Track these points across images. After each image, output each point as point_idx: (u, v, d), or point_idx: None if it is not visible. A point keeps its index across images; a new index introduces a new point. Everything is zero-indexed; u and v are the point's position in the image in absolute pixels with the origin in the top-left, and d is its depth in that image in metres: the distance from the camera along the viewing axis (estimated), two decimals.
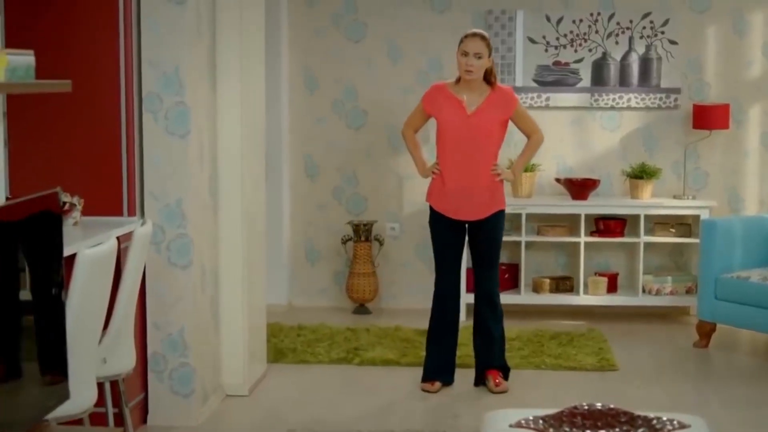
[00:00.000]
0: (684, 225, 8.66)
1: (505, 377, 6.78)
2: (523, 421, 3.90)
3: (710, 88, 8.82)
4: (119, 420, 5.34)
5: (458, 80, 6.65)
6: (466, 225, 6.70)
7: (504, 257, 8.87)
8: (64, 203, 5.46)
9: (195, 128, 5.91)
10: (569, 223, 8.77)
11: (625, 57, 8.80)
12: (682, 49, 8.76)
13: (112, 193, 5.80)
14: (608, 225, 8.63)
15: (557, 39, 8.78)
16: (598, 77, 8.83)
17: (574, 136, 8.91)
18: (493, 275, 6.77)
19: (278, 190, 8.92)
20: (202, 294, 6.13)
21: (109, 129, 5.76)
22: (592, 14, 8.76)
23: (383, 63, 8.95)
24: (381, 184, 8.98)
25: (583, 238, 8.57)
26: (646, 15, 8.74)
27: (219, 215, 6.41)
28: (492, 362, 6.78)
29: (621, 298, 8.67)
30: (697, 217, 8.55)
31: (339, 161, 9.04)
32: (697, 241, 8.41)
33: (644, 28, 8.75)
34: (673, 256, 8.91)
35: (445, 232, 6.70)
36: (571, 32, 8.78)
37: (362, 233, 8.82)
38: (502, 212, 6.70)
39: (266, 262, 7.22)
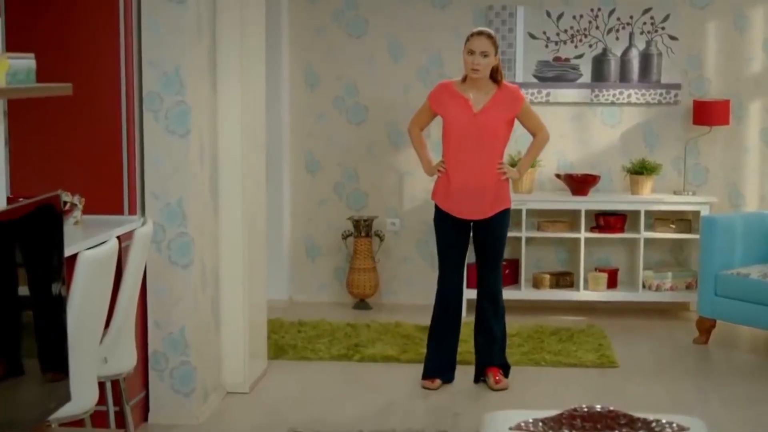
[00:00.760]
0: (684, 221, 8.66)
1: (506, 374, 6.80)
2: (522, 424, 3.91)
3: (710, 83, 8.82)
4: (120, 418, 5.36)
5: (464, 79, 6.65)
6: (471, 223, 6.69)
7: (504, 253, 8.86)
8: (65, 203, 5.47)
9: (195, 128, 5.92)
10: (569, 218, 8.78)
11: (626, 53, 8.80)
12: (682, 45, 8.76)
13: (112, 192, 5.81)
14: (608, 221, 8.64)
15: (557, 35, 8.78)
16: (599, 73, 8.83)
17: (574, 132, 8.92)
18: (497, 274, 6.77)
19: (279, 186, 8.93)
20: (203, 293, 6.14)
21: (110, 128, 5.77)
22: (592, 10, 8.77)
23: (384, 59, 8.95)
24: (381, 180, 8.99)
25: (583, 234, 8.58)
26: (646, 11, 8.74)
27: (219, 214, 6.42)
28: (493, 360, 6.79)
29: (621, 294, 8.68)
30: (697, 213, 8.56)
31: (340, 157, 9.05)
32: (697, 237, 8.42)
33: (645, 23, 8.75)
34: (673, 252, 8.93)
35: (449, 230, 6.69)
36: (572, 28, 8.78)
37: (362, 229, 8.83)
38: (507, 211, 6.71)
39: (267, 259, 7.23)
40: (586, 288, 8.66)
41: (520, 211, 8.56)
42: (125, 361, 5.12)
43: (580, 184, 8.61)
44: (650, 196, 8.62)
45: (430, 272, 8.66)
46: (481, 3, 8.83)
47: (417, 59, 8.92)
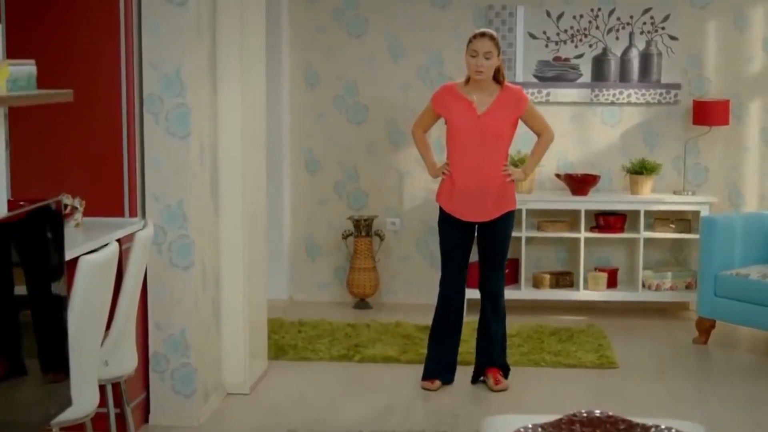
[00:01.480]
0: (684, 221, 8.67)
1: (505, 376, 6.80)
2: (522, 429, 3.92)
3: (710, 83, 8.83)
4: (121, 421, 5.37)
5: (467, 80, 6.63)
6: (476, 225, 6.68)
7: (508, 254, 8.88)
8: (66, 206, 5.48)
9: (196, 129, 5.93)
10: (569, 218, 8.79)
11: (626, 52, 8.81)
12: (682, 45, 8.76)
13: (113, 194, 5.81)
14: (608, 220, 8.65)
15: (557, 34, 8.79)
16: (599, 73, 8.84)
17: (574, 132, 8.92)
18: (500, 276, 6.77)
19: (279, 186, 8.93)
20: (204, 294, 6.15)
21: (110, 130, 5.77)
22: (592, 10, 8.77)
23: (384, 59, 8.95)
24: (381, 179, 9.00)
25: (583, 234, 8.59)
26: (646, 10, 8.74)
27: (220, 215, 6.43)
28: (492, 361, 6.79)
29: (621, 294, 8.69)
30: (697, 212, 8.57)
31: (340, 157, 9.06)
32: (696, 236, 8.43)
33: (644, 23, 8.75)
34: (672, 252, 8.94)
35: (454, 232, 6.67)
36: (572, 28, 8.79)
37: (363, 228, 8.84)
38: (512, 213, 6.71)
39: (267, 259, 7.24)
40: (586, 288, 8.67)
41: (520, 210, 8.55)
42: (126, 363, 5.13)
43: (580, 183, 8.62)
44: (650, 196, 8.63)
45: (431, 272, 8.69)
46: (481, 3, 8.84)
47: (417, 59, 8.93)
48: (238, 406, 6.44)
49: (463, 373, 6.88)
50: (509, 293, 8.46)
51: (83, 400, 4.49)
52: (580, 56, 8.81)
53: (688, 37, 8.78)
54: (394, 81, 8.94)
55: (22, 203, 5.09)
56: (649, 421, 4.00)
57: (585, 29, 8.79)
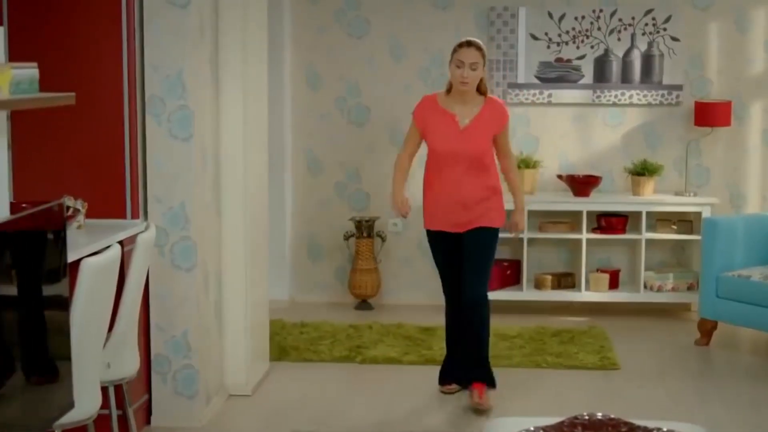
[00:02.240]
0: (686, 222, 8.67)
1: (492, 384, 6.53)
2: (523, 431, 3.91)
3: (712, 85, 8.83)
4: (123, 422, 5.38)
5: (449, 90, 6.42)
6: (462, 235, 6.47)
7: (506, 253, 8.90)
8: (68, 208, 5.48)
9: (198, 131, 5.93)
10: (571, 219, 8.79)
11: (627, 54, 8.81)
12: (684, 46, 8.76)
13: (115, 196, 5.81)
14: (610, 222, 8.65)
15: (559, 36, 8.79)
16: (600, 74, 8.84)
17: (576, 133, 8.93)
18: (482, 281, 6.43)
19: (281, 187, 8.94)
20: (206, 296, 6.15)
21: (113, 132, 5.77)
22: (594, 11, 8.77)
23: (385, 60, 8.96)
24: (383, 180, 8.99)
25: (585, 235, 8.59)
26: (648, 12, 8.74)
27: (222, 217, 6.43)
28: (476, 373, 6.48)
29: (622, 295, 8.69)
30: (698, 213, 8.56)
31: (341, 157, 9.06)
32: (698, 237, 8.42)
33: (646, 24, 8.75)
34: (674, 253, 8.94)
35: (445, 249, 6.53)
36: (573, 29, 8.79)
37: (364, 229, 8.84)
38: (497, 229, 6.48)
39: (269, 261, 7.24)
40: (587, 289, 8.67)
41: None
42: (128, 365, 5.13)
43: (581, 185, 8.62)
44: (652, 197, 8.63)
45: (432, 273, 8.66)
46: (483, 4, 8.84)
47: (418, 60, 8.93)
48: (240, 407, 6.44)
49: None
50: (511, 294, 8.52)
51: (85, 402, 4.49)
52: (581, 57, 8.81)
53: (689, 38, 8.78)
54: (396, 82, 8.95)
55: (24, 205, 5.10)
56: (651, 424, 4.00)
57: (587, 30, 8.79)
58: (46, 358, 4.20)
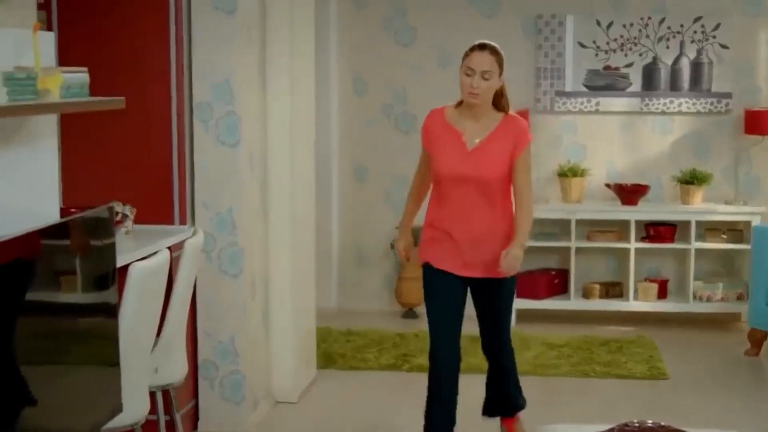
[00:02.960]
0: (735, 231, 8.59)
1: (522, 406, 5.93)
2: None
3: (762, 92, 8.74)
4: (170, 428, 5.38)
5: (460, 103, 5.36)
6: (470, 283, 5.43)
7: (553, 262, 8.86)
8: (117, 213, 5.50)
9: (245, 137, 5.94)
10: (619, 228, 8.72)
11: (676, 61, 8.74)
12: (733, 53, 8.69)
13: (163, 201, 5.83)
14: (658, 231, 8.58)
15: (607, 43, 8.74)
16: (649, 82, 8.78)
17: (624, 141, 8.87)
18: (507, 330, 5.62)
19: (327, 194, 8.94)
20: (253, 302, 6.15)
21: (161, 138, 5.79)
22: (642, 18, 8.72)
23: (432, 67, 8.94)
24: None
25: (633, 244, 8.53)
26: (697, 19, 8.68)
27: (269, 223, 6.43)
28: (508, 410, 5.86)
29: (671, 305, 8.62)
30: (748, 223, 8.48)
31: (388, 164, 9.04)
32: (748, 247, 8.34)
33: (695, 32, 8.69)
34: (724, 263, 8.85)
35: (447, 295, 5.40)
36: (622, 36, 8.74)
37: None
38: (514, 277, 5.42)
39: (315, 268, 7.23)
40: (636, 298, 8.61)
41: (569, 221, 8.54)
42: (176, 370, 5.14)
43: (629, 193, 8.56)
44: (701, 206, 8.56)
45: None
46: (530, 12, 8.81)
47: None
48: (286, 414, 6.44)
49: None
50: (558, 303, 8.49)
51: (134, 407, 4.50)
52: (630, 65, 8.75)
53: (739, 45, 8.70)
54: (443, 90, 8.90)
55: (73, 210, 5.11)
56: None
57: (635, 38, 8.73)
58: (94, 362, 4.21)
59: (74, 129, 5.72)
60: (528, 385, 6.94)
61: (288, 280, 6.50)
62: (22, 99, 3.72)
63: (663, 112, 8.81)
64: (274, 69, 6.34)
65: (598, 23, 8.74)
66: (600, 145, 8.87)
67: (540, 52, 8.77)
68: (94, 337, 4.21)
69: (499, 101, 5.32)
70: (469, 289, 5.46)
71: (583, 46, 8.76)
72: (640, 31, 8.72)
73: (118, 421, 4.41)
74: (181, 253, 5.07)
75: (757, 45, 8.73)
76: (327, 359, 7.45)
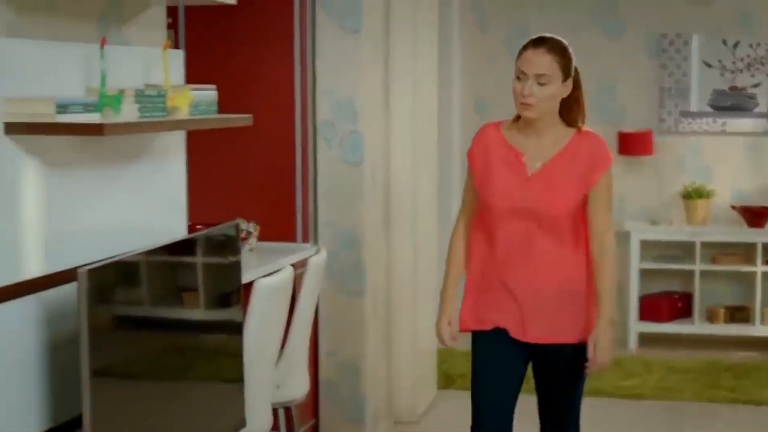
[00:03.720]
0: None
1: None
2: None
3: None
4: None
5: (517, 117, 4.18)
6: (527, 349, 4.16)
7: (676, 285, 8.72)
8: (241, 230, 5.54)
9: (369, 156, 5.95)
10: (745, 251, 8.55)
11: None
12: None
13: (286, 219, 5.87)
14: None
15: (734, 63, 8.59)
16: None
17: (750, 163, 8.69)
18: (575, 421, 4.29)
19: (450, 213, 8.90)
20: (375, 320, 6.15)
21: (284, 156, 5.83)
22: None
23: None
24: None
25: (759, 267, 8.34)
26: None
27: (391, 242, 6.43)
28: None
29: None
30: None
31: None
32: None
33: None
34: None
35: (499, 362, 4.19)
36: (748, 56, 8.58)
37: None
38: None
39: (437, 287, 7.20)
40: (762, 323, 8.42)
41: (693, 243, 8.39)
42: (298, 387, 5.14)
43: (756, 216, 8.39)
44: None
45: None
46: (655, 31, 8.70)
47: (590, 89, 8.74)
48: None
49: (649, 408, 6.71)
50: (682, 327, 8.33)
51: (257, 421, 4.52)
52: (757, 85, 8.59)
53: None
54: None
55: (198, 227, 5.17)
56: None
57: (762, 57, 8.57)
58: (219, 377, 4.24)
59: (199, 146, 5.79)
60: (652, 409, 6.84)
61: (410, 299, 6.48)
62: (152, 116, 3.77)
63: None
64: (398, 88, 6.35)
65: (725, 43, 8.59)
66: (725, 166, 8.71)
67: (664, 71, 8.65)
68: (219, 354, 4.25)
69: (569, 113, 4.15)
70: (529, 360, 4.20)
71: (708, 65, 8.62)
72: (767, 50, 8.56)
73: None
74: (304, 271, 5.09)
75: None
76: (447, 379, 7.42)
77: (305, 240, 5.86)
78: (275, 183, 5.85)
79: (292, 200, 5.86)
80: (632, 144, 8.56)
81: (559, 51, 4.08)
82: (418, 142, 6.46)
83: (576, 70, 4.17)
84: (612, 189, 4.12)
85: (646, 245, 8.59)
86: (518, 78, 4.06)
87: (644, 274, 8.60)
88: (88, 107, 3.52)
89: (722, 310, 8.45)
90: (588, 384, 7.07)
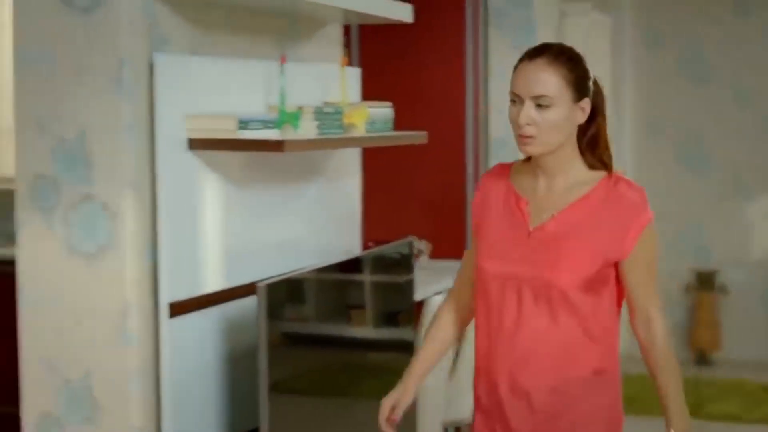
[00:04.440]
0: None
1: None
2: None
3: None
4: None
5: (529, 157, 3.05)
6: None
7: None
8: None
9: None
10: None
11: None
12: None
13: (456, 237, 5.84)
14: None
15: None
16: None
17: None
18: None
19: None
20: None
21: (456, 174, 5.82)
22: None
23: (729, 107, 8.65)
24: (727, 230, 8.67)
25: None
26: None
27: None
28: None
29: None
30: None
31: (682, 207, 8.80)
32: None
33: None
34: None
35: None
36: None
37: (704, 281, 8.55)
38: None
39: None
40: None
41: None
42: (466, 409, 5.11)
43: None
44: None
45: None
46: None
47: (764, 108, 8.57)
48: None
49: None
50: None
51: None
52: None
53: None
54: (740, 131, 8.61)
55: (370, 244, 5.18)
56: None
57: None
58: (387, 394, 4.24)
59: (373, 163, 5.81)
60: None
61: None
62: (330, 133, 3.79)
63: None
64: None
65: None
66: None
67: None
68: (391, 373, 4.24)
69: (593, 150, 3.02)
70: None
71: None
72: None
73: None
74: None
75: None
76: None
77: None
78: (446, 200, 5.84)
79: (462, 218, 5.84)
80: None
81: (566, 61, 2.93)
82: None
83: (597, 86, 3.04)
84: (655, 253, 3.01)
85: None
86: (512, 102, 2.95)
87: None
88: (267, 124, 3.56)
89: None
90: (763, 411, 6.88)
